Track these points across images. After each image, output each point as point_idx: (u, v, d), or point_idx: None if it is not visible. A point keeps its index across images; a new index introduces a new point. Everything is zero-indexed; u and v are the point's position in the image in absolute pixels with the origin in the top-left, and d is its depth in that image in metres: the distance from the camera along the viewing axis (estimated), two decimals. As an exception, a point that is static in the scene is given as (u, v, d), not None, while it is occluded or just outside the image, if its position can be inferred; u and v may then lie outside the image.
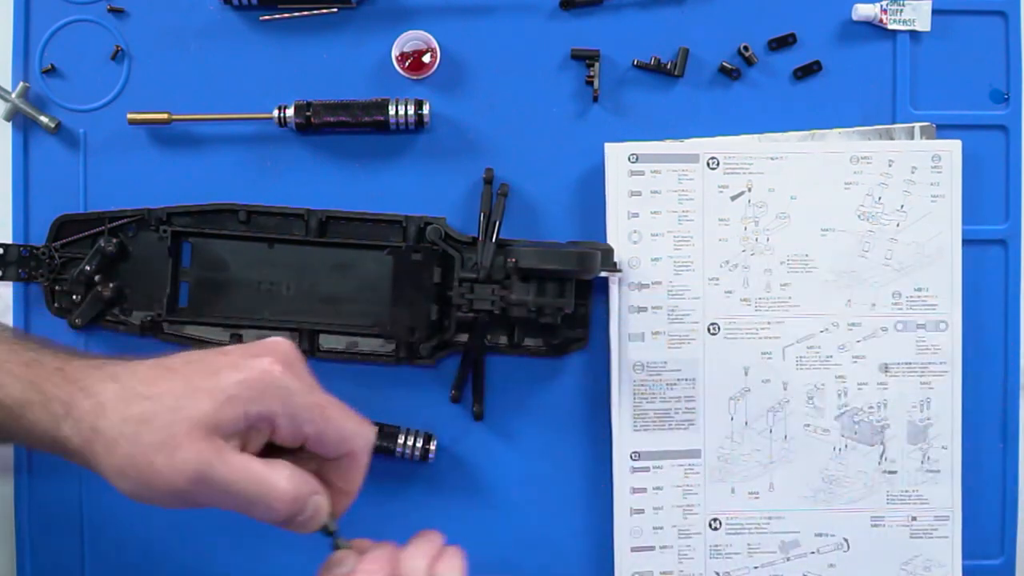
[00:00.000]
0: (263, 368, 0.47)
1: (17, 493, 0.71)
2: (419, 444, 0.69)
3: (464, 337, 0.69)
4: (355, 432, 0.50)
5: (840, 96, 0.72)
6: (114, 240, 0.68)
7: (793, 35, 0.72)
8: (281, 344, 0.49)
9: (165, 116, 0.69)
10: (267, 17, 0.70)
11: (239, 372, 0.47)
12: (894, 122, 0.72)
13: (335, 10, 0.70)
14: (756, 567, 0.72)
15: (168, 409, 0.46)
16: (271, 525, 0.49)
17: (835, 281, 0.71)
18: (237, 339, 0.70)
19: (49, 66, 0.70)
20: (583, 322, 0.70)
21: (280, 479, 0.47)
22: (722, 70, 0.72)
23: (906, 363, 0.71)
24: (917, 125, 0.72)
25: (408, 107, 0.69)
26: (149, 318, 0.69)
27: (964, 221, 0.71)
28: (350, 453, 0.50)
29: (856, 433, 0.71)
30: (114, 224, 0.69)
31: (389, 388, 0.71)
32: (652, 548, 0.71)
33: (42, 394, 0.49)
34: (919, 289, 0.71)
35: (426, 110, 0.69)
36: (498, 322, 0.69)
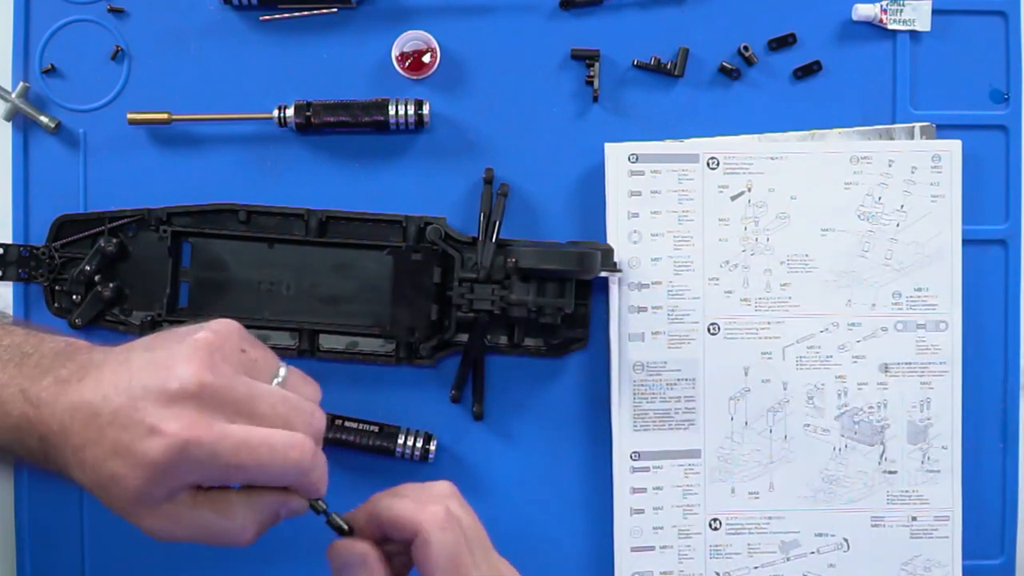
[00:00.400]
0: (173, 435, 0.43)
1: (17, 500, 0.70)
2: (419, 444, 0.69)
3: (464, 337, 0.69)
4: (286, 450, 0.45)
5: (840, 96, 0.72)
6: (114, 240, 0.68)
7: (793, 35, 0.72)
8: (201, 344, 0.45)
9: (165, 116, 0.69)
10: (267, 17, 0.70)
11: (148, 439, 0.43)
12: (894, 122, 0.72)
13: (335, 10, 0.70)
14: (756, 567, 0.72)
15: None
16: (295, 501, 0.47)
17: (835, 281, 0.71)
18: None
19: (49, 66, 0.70)
20: (583, 322, 0.70)
21: (280, 432, 0.45)
22: (722, 70, 0.72)
23: (906, 363, 0.71)
24: (917, 125, 0.72)
25: (408, 107, 0.69)
26: (149, 318, 0.69)
27: (964, 221, 0.71)
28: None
29: (856, 433, 0.71)
30: (114, 224, 0.69)
31: (389, 388, 0.71)
32: (652, 548, 0.71)
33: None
34: (919, 289, 0.71)
35: (426, 110, 0.69)
36: (498, 322, 0.69)
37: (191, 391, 0.44)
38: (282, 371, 0.49)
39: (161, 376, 0.44)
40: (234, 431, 0.44)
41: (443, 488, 0.50)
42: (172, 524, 0.46)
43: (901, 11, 0.71)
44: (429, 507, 0.48)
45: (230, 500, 0.46)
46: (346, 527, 0.50)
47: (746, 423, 0.71)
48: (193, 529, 0.46)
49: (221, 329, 0.47)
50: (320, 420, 0.49)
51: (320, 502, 0.49)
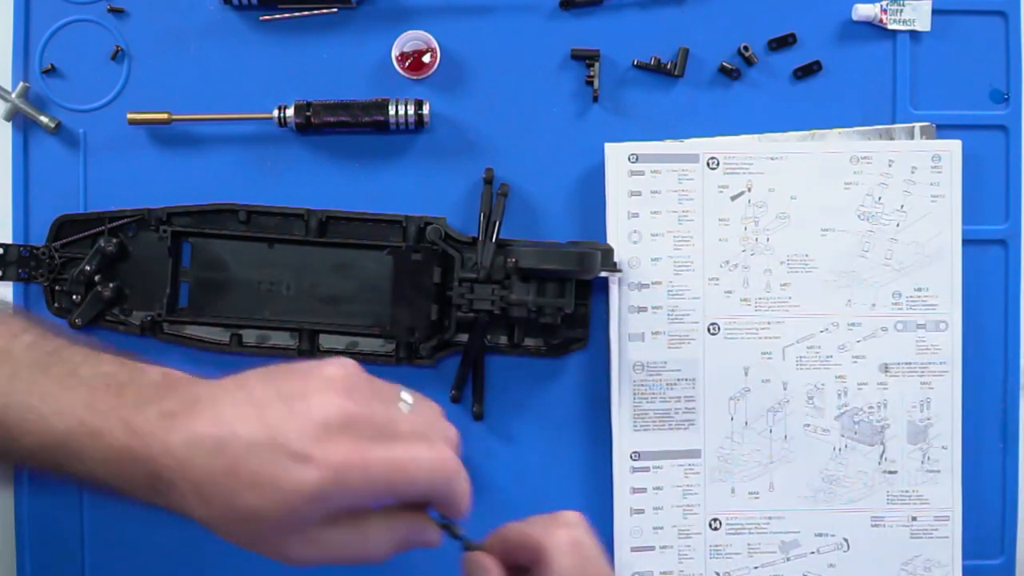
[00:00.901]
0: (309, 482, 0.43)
1: (17, 507, 0.70)
2: (419, 444, 0.69)
3: (464, 337, 0.69)
4: (438, 474, 0.45)
5: (840, 96, 0.72)
6: (114, 240, 0.68)
7: (793, 35, 0.72)
8: (330, 402, 0.44)
9: (165, 116, 0.69)
10: (267, 17, 0.70)
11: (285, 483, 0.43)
12: (894, 122, 0.72)
13: (335, 10, 0.70)
14: (756, 567, 0.72)
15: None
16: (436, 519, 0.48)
17: (835, 281, 0.71)
18: (237, 339, 0.70)
19: (49, 66, 0.70)
20: (583, 322, 0.70)
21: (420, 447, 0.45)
22: (722, 70, 0.72)
23: (906, 363, 0.71)
24: (917, 125, 0.72)
25: (408, 107, 0.69)
26: (149, 318, 0.69)
27: (964, 221, 0.71)
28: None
29: (856, 433, 0.71)
30: (114, 224, 0.69)
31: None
32: (652, 548, 0.71)
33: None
34: (919, 289, 0.71)
35: (426, 110, 0.69)
36: (498, 322, 0.69)
37: (337, 419, 0.44)
38: (405, 395, 0.49)
39: (300, 408, 0.44)
40: (382, 453, 0.44)
41: (571, 517, 0.51)
42: (307, 549, 0.45)
43: (901, 11, 0.71)
44: (557, 531, 0.49)
45: (368, 522, 0.46)
46: (479, 549, 0.50)
47: (746, 423, 0.71)
48: (329, 552, 0.46)
49: (345, 363, 0.47)
50: (455, 434, 0.49)
51: (455, 526, 0.49)
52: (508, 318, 0.67)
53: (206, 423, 0.44)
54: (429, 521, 0.48)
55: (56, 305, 0.69)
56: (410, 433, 0.46)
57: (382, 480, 0.44)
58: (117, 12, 0.70)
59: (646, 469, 0.71)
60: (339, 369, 0.46)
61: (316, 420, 0.44)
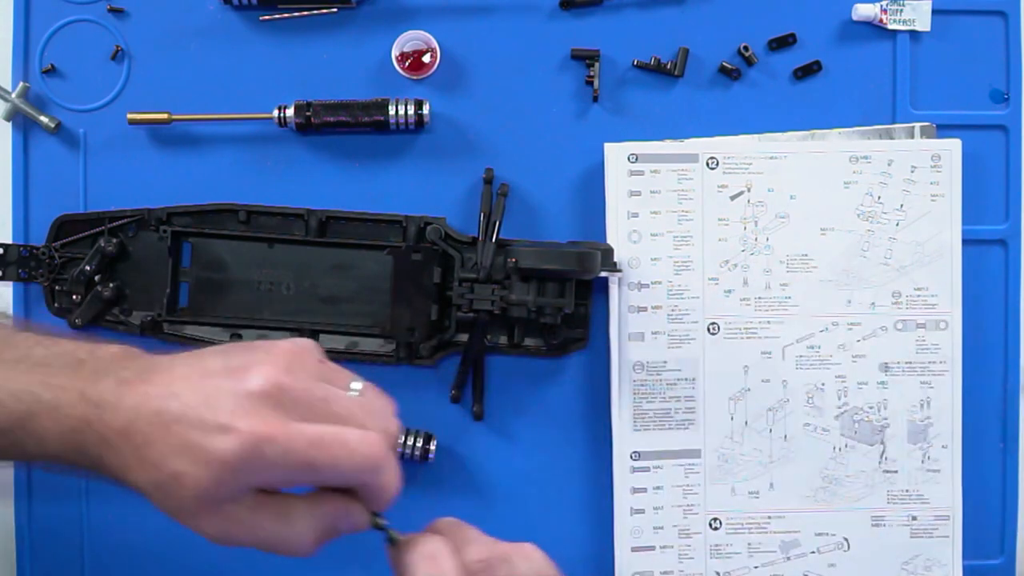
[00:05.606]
0: (249, 432, 0.43)
1: (17, 515, 0.70)
2: (419, 444, 0.69)
3: (464, 337, 0.69)
4: (363, 460, 0.45)
5: (840, 96, 0.72)
6: (114, 240, 0.68)
7: (793, 35, 0.72)
8: (278, 358, 0.45)
9: (165, 116, 0.69)
10: (267, 17, 0.70)
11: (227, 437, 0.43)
12: (894, 122, 0.72)
13: (335, 10, 0.70)
14: (756, 567, 0.72)
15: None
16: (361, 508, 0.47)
17: (835, 281, 0.71)
18: (237, 339, 0.70)
19: (49, 66, 0.70)
20: (583, 322, 0.70)
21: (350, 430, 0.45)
22: (722, 70, 0.72)
23: (906, 363, 0.71)
24: (917, 125, 0.72)
25: (408, 107, 0.69)
26: (149, 318, 0.69)
27: (964, 221, 0.71)
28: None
29: (856, 433, 0.71)
30: (114, 224, 0.69)
31: (389, 388, 0.70)
32: (652, 548, 0.71)
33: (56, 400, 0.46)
34: (919, 289, 0.71)
35: (426, 110, 0.69)
36: (498, 322, 0.69)
37: (267, 391, 0.44)
38: (357, 384, 0.49)
39: (237, 376, 0.44)
40: (308, 428, 0.44)
41: (532, 551, 0.48)
42: (230, 526, 0.45)
43: (901, 11, 0.71)
44: (521, 561, 0.47)
45: (292, 505, 0.46)
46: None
47: (746, 423, 0.71)
48: (251, 533, 0.45)
49: (300, 341, 0.48)
50: (395, 426, 0.49)
51: (381, 518, 0.48)
52: (508, 318, 0.67)
53: (154, 388, 0.45)
54: (355, 503, 0.47)
55: (56, 305, 0.69)
56: (345, 416, 0.46)
57: (303, 457, 0.43)
58: (117, 12, 0.70)
59: (646, 469, 0.71)
60: (290, 346, 0.47)
61: (247, 391, 0.44)
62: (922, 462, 0.72)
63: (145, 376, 0.46)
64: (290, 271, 0.70)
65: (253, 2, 0.69)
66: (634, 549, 0.71)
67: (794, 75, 0.72)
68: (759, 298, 0.71)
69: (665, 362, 0.71)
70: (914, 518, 0.72)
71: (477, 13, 0.71)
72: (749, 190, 0.71)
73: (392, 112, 0.68)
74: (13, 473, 0.70)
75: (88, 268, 0.68)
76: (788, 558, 0.72)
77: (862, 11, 0.71)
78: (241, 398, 0.44)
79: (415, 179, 0.71)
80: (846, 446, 0.71)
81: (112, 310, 0.69)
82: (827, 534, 0.72)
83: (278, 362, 0.45)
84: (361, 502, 0.47)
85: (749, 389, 0.71)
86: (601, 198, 0.71)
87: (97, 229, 0.69)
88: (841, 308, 0.71)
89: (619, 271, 0.70)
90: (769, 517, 0.72)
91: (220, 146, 0.71)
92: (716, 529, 0.71)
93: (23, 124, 0.70)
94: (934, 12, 0.71)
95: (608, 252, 0.68)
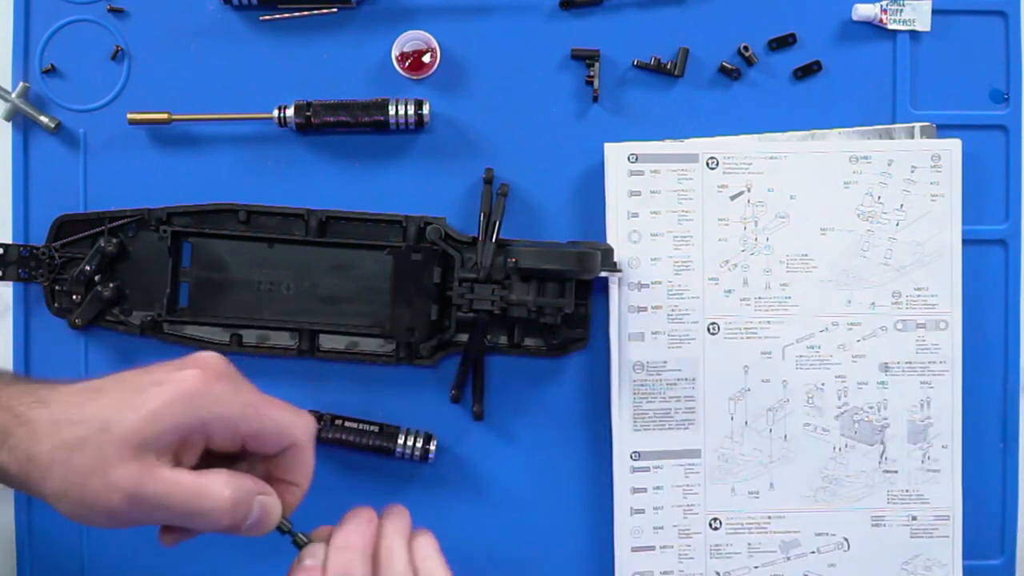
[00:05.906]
0: (187, 380, 0.48)
1: (17, 519, 0.70)
2: (419, 444, 0.69)
3: (464, 337, 0.69)
4: (292, 422, 0.50)
5: (840, 96, 0.72)
6: (114, 240, 0.68)
7: (793, 35, 0.72)
8: (209, 358, 0.50)
9: (165, 116, 0.69)
10: (267, 17, 0.70)
11: (163, 387, 0.48)
12: (894, 122, 0.72)
13: (335, 10, 0.70)
14: (756, 567, 0.72)
15: (97, 431, 0.46)
16: (241, 536, 0.49)
17: (835, 281, 0.71)
18: (237, 339, 0.70)
19: (49, 66, 0.70)
20: (583, 322, 0.70)
21: (216, 486, 0.47)
22: (722, 70, 0.72)
23: (906, 363, 0.71)
24: (917, 125, 0.72)
25: (408, 107, 0.69)
26: (149, 318, 0.69)
27: (964, 221, 0.71)
28: (292, 445, 0.50)
29: (856, 433, 0.71)
30: (114, 224, 0.69)
31: (389, 388, 0.71)
32: (652, 548, 0.71)
33: None
34: (919, 289, 0.71)
35: (426, 110, 0.69)
36: (498, 322, 0.69)
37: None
38: None
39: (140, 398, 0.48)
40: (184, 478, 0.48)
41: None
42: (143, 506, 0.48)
43: (901, 11, 0.71)
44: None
45: (208, 473, 0.49)
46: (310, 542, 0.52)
47: (746, 423, 0.71)
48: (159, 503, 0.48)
49: (205, 360, 0.51)
50: (310, 423, 0.52)
51: (285, 522, 0.51)
52: (508, 318, 0.67)
53: (81, 403, 0.48)
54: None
55: (56, 305, 0.69)
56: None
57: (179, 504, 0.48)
58: (117, 12, 0.70)
59: (646, 469, 0.71)
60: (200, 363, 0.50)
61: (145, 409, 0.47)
62: (922, 462, 0.72)
63: (77, 393, 0.49)
64: (290, 271, 0.70)
65: (253, 2, 0.69)
66: (634, 549, 0.71)
67: (794, 75, 0.72)
68: (759, 298, 0.71)
69: (665, 362, 0.71)
70: (914, 518, 0.72)
71: (477, 13, 0.71)
72: (749, 190, 0.71)
73: (392, 112, 0.68)
74: None
75: (88, 268, 0.68)
76: (788, 558, 0.72)
77: (862, 11, 0.71)
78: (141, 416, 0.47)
79: (415, 179, 0.71)
80: (846, 446, 0.71)
81: (112, 310, 0.69)
82: (827, 534, 0.72)
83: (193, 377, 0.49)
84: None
85: (749, 389, 0.71)
86: (601, 198, 0.71)
87: (97, 229, 0.69)
88: (841, 308, 0.71)
89: (619, 271, 0.70)
90: (769, 517, 0.72)
91: (220, 146, 0.71)
92: (716, 529, 0.71)
93: (23, 124, 0.70)
94: (934, 12, 0.72)
95: (608, 252, 0.68)
